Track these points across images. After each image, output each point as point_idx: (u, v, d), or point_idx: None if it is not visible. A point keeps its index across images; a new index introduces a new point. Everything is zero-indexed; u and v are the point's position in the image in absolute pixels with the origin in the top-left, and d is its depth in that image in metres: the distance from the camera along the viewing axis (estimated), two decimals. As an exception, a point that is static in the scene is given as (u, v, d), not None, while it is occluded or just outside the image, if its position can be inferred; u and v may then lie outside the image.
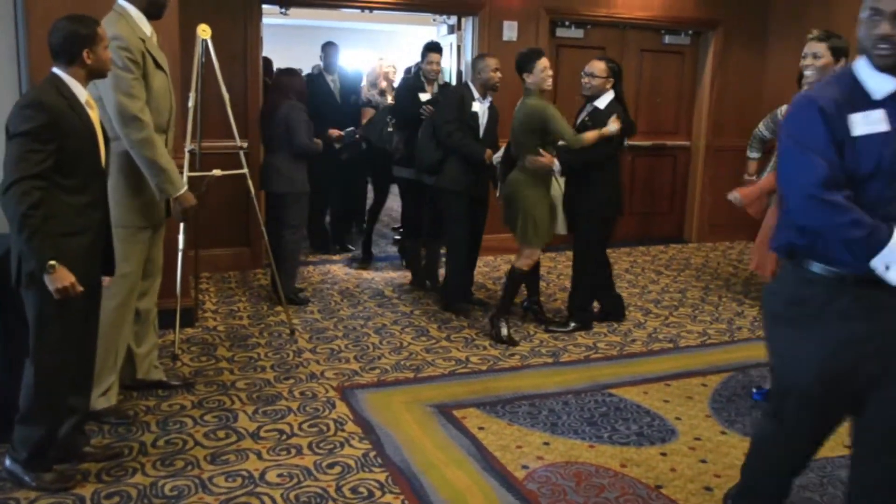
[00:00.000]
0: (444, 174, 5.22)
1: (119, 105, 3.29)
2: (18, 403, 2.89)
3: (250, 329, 4.93)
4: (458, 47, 7.20)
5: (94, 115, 2.90)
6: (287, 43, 11.31)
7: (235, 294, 5.71)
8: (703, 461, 3.36)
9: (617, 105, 4.86)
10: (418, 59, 6.83)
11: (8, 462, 2.97)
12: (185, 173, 4.39)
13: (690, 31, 7.84)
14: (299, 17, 9.22)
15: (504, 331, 4.79)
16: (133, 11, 3.44)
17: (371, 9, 6.73)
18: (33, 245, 2.63)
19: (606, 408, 3.89)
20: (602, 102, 4.85)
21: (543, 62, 4.70)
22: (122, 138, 3.34)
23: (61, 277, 2.68)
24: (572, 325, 5.04)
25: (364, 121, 6.56)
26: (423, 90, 5.85)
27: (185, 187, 3.60)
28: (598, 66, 4.91)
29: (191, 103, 4.46)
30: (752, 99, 7.96)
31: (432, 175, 5.37)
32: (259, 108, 6.14)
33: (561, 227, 5.07)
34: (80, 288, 2.73)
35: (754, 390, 4.08)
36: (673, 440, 3.56)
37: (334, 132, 6.07)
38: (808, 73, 3.67)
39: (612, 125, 4.70)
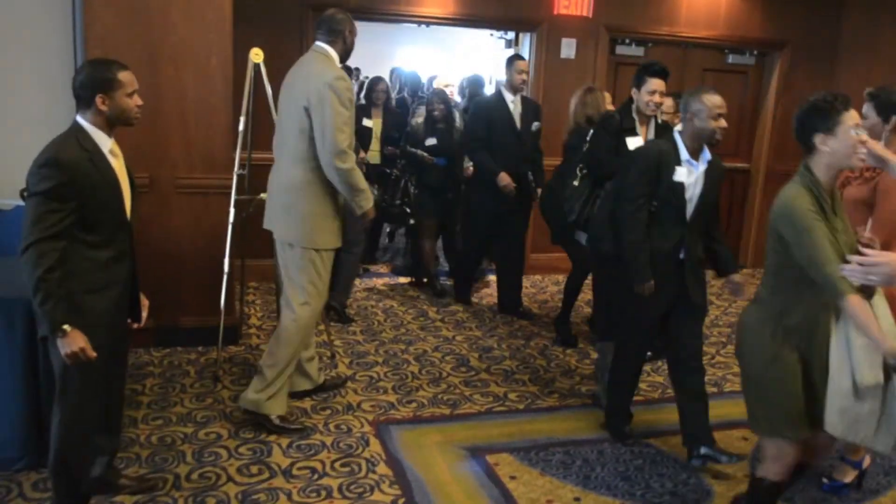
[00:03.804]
0: (624, 270, 3.68)
1: (334, 138, 3.58)
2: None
3: (292, 349, 4.97)
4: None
5: (118, 163, 2.83)
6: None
7: (281, 308, 5.75)
8: (738, 529, 3.28)
9: None
10: (491, 64, 6.74)
11: None
12: (233, 196, 4.44)
13: (755, 51, 7.63)
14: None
15: None
16: (333, 54, 3.79)
17: (428, 23, 6.70)
18: (46, 309, 2.57)
19: (642, 460, 3.82)
20: None
21: (853, 117, 2.59)
22: (328, 167, 3.65)
23: (72, 342, 2.60)
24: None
25: None
26: (634, 132, 4.33)
27: (372, 198, 3.91)
28: (667, 103, 4.64)
29: (241, 127, 4.49)
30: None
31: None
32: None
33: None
34: (93, 354, 2.64)
35: (825, 480, 3.60)
36: (707, 502, 3.48)
37: (506, 181, 5.44)
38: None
39: None
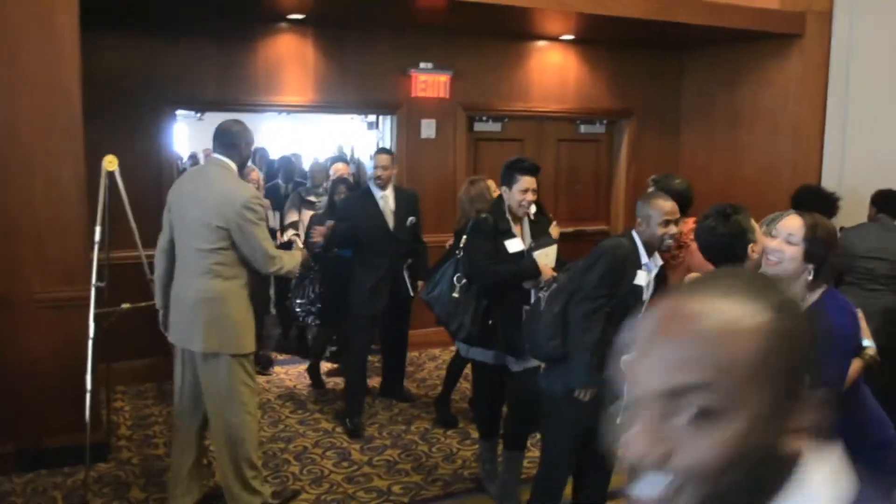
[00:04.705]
0: (568, 372, 3.42)
1: (264, 252, 3.82)
2: None
3: (166, 460, 4.74)
4: (378, 143, 7.23)
5: None
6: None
7: (151, 414, 5.54)
8: None
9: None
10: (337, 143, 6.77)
11: None
12: (92, 310, 4.28)
13: (605, 121, 8.05)
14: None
15: None
16: (233, 166, 3.91)
17: (289, 111, 6.73)
18: None
19: (529, 545, 3.86)
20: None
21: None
22: (264, 268, 3.91)
23: None
24: None
25: None
26: (512, 233, 4.06)
27: (300, 255, 4.22)
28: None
29: (97, 237, 4.35)
30: (666, 183, 8.20)
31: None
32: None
33: None
34: None
35: None
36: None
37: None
38: None
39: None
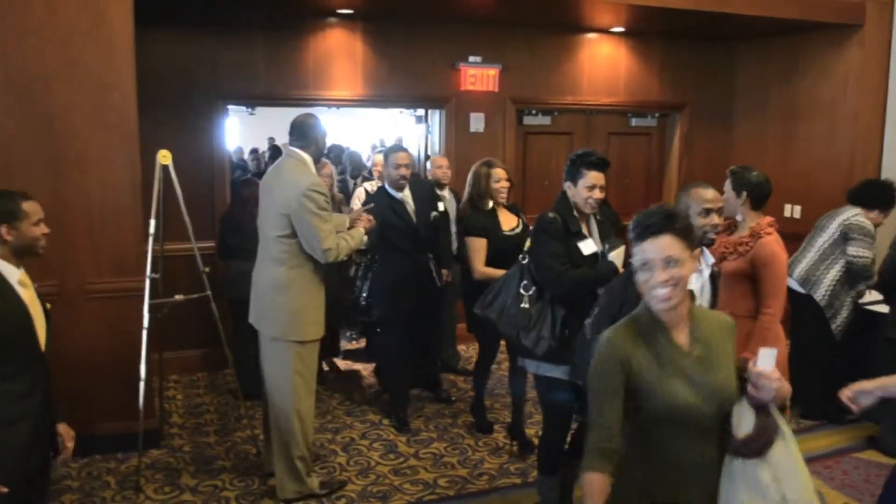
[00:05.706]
0: None
1: (319, 242, 3.82)
2: None
3: (216, 448, 4.86)
4: (427, 137, 7.23)
5: (28, 294, 2.78)
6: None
7: (203, 402, 5.64)
8: None
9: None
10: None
11: None
12: (147, 300, 4.37)
13: (657, 114, 7.94)
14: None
15: None
16: (307, 158, 4.00)
17: (338, 106, 6.77)
18: None
19: (573, 541, 3.84)
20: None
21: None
22: (319, 258, 3.89)
23: None
24: None
25: None
26: (583, 235, 3.66)
27: (363, 231, 4.22)
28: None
29: (151, 230, 4.43)
30: (719, 177, 7.95)
31: None
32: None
33: None
34: (2, 489, 2.57)
35: None
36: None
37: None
38: None
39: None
